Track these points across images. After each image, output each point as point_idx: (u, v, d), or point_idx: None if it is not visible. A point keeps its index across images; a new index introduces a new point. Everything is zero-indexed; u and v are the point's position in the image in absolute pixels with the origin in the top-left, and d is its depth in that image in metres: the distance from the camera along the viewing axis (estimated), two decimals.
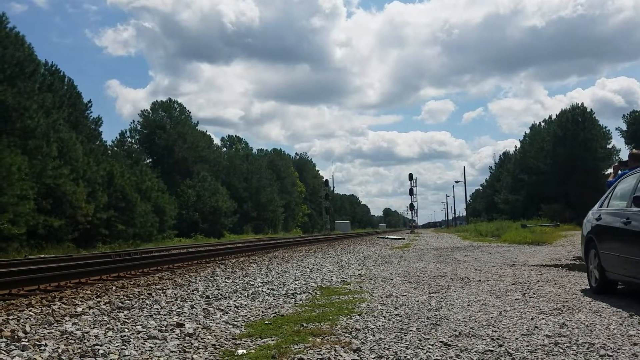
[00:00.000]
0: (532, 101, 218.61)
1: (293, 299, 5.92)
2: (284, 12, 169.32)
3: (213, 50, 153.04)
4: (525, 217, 37.48)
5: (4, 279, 7.13)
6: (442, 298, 5.72)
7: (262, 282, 7.44)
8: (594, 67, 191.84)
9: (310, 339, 3.79)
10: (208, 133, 56.66)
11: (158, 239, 32.20)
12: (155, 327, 4.28)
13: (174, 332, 4.10)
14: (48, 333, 3.95)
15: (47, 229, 22.10)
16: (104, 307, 5.19)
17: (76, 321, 4.43)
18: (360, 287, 6.89)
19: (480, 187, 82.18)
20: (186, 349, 3.58)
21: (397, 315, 4.74)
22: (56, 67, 30.73)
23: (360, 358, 3.31)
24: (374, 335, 3.90)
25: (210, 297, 6.02)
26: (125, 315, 4.76)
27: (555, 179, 44.30)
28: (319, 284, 7.29)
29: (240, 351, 3.51)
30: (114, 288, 6.86)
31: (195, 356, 3.40)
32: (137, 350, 3.52)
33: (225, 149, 65.76)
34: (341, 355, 3.34)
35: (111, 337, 3.89)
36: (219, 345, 3.71)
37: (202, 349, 3.60)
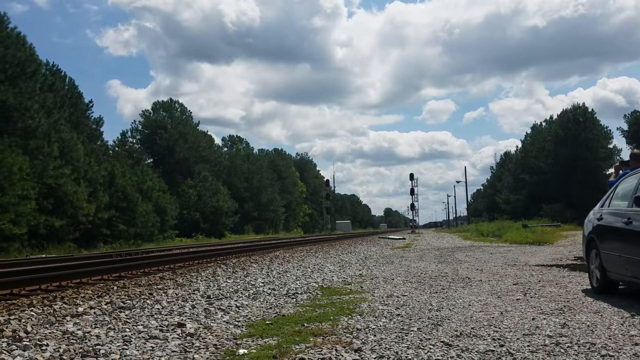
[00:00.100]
0: (533, 101, 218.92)
1: (294, 299, 5.92)
2: (285, 12, 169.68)
3: (214, 50, 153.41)
4: (526, 217, 37.43)
5: (6, 278, 7.14)
6: (443, 298, 5.72)
7: (263, 282, 7.44)
8: (595, 67, 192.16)
9: (311, 339, 3.79)
10: (209, 133, 56.78)
11: (159, 239, 32.24)
12: (157, 327, 4.28)
13: (175, 332, 4.10)
14: (49, 333, 3.96)
15: (48, 229, 22.14)
16: (105, 307, 5.20)
17: (77, 321, 4.43)
18: (361, 287, 6.88)
19: (481, 187, 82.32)
20: (187, 349, 3.58)
21: (398, 315, 4.74)
22: (57, 67, 30.81)
23: (362, 358, 3.30)
24: (375, 335, 3.90)
25: (212, 297, 6.03)
26: (126, 315, 4.77)
27: (557, 179, 44.29)
28: (320, 284, 7.29)
29: (241, 351, 3.51)
30: (115, 288, 6.87)
31: (196, 356, 3.40)
32: (138, 350, 3.53)
33: (226, 149, 65.83)
34: (342, 355, 3.34)
35: (112, 337, 3.89)
36: (220, 345, 3.71)
37: (203, 348, 3.60)
